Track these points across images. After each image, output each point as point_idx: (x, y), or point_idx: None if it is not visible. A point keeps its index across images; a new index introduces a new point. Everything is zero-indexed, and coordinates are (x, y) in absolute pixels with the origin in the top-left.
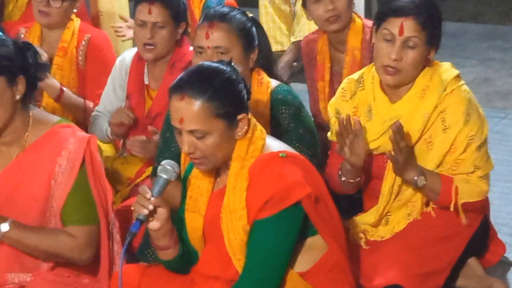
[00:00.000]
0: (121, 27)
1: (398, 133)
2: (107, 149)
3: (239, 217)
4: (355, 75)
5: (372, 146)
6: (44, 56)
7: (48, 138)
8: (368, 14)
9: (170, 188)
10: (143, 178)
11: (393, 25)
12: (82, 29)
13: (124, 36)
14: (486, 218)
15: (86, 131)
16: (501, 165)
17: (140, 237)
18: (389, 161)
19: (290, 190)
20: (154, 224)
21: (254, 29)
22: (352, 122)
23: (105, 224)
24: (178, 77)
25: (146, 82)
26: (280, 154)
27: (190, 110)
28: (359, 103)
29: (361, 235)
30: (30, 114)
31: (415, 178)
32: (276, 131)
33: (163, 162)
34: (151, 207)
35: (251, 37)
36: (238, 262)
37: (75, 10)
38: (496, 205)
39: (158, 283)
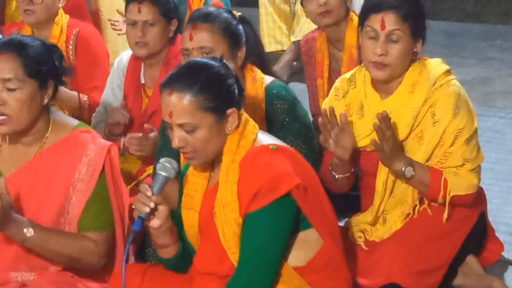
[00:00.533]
0: (117, 21)
1: (384, 121)
2: None
3: (231, 210)
4: (348, 74)
5: (364, 143)
6: None
7: (67, 142)
8: None
9: (170, 186)
10: (144, 176)
11: (375, 21)
12: (70, 24)
13: (120, 30)
14: (483, 215)
15: None
16: (500, 165)
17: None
18: None
19: (279, 181)
20: (154, 222)
21: (240, 27)
22: (337, 116)
23: (121, 230)
24: (169, 73)
25: (143, 81)
26: (270, 147)
27: (179, 104)
28: (351, 101)
29: (360, 234)
30: (51, 116)
31: (403, 168)
32: (272, 127)
33: (161, 160)
34: (152, 204)
35: (236, 35)
36: (233, 255)
37: (60, 5)
38: (495, 204)
39: (159, 282)
